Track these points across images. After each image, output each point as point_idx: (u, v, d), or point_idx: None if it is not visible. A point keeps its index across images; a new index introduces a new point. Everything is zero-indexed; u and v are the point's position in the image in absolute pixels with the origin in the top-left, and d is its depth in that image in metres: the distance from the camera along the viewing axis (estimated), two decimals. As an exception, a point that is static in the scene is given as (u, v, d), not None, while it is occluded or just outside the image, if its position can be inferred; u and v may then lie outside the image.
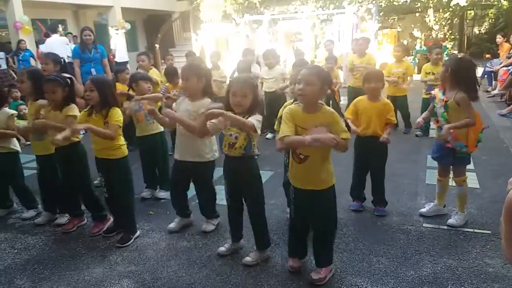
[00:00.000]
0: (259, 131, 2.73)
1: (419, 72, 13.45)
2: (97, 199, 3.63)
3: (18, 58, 10.17)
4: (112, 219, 3.61)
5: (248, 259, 2.96)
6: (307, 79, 2.46)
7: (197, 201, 3.59)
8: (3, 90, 4.00)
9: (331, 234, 2.75)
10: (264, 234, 3.03)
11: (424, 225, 3.44)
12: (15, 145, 3.90)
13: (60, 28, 10.39)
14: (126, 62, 10.46)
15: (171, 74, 5.38)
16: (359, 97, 3.67)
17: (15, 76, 10.34)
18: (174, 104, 3.70)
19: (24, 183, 4.01)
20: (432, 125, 4.46)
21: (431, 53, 6.25)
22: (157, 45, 13.85)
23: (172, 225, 3.55)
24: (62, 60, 4.30)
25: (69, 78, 3.52)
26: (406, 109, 6.54)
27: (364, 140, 3.61)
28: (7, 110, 3.84)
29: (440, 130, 3.30)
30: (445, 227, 3.36)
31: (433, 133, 4.84)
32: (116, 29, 11.83)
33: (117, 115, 3.21)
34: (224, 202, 3.12)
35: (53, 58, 4.25)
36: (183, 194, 3.53)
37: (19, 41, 10.22)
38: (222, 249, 3.13)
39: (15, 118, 3.89)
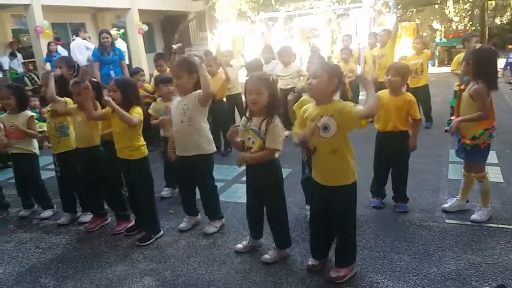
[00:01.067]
0: (281, 149, 2.80)
1: (439, 65, 13.31)
2: (121, 199, 3.69)
3: (52, 63, 9.58)
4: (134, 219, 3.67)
5: (267, 256, 2.96)
6: (315, 73, 2.52)
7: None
8: (26, 92, 4.09)
9: (348, 234, 2.68)
10: (284, 235, 3.00)
11: (447, 221, 3.37)
12: (35, 147, 3.96)
13: (82, 32, 10.60)
14: None
15: None
16: (381, 91, 3.61)
17: (29, 82, 10.48)
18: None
19: (40, 185, 4.08)
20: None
21: (470, 41, 5.70)
22: (174, 46, 13.97)
23: (183, 225, 3.57)
24: (76, 64, 4.38)
25: (96, 82, 3.60)
26: (428, 101, 6.28)
27: (384, 135, 3.55)
28: (27, 112, 3.92)
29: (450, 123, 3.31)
30: (469, 223, 3.29)
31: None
32: (117, 31, 11.91)
33: (138, 112, 3.26)
34: (240, 200, 3.12)
35: (66, 61, 4.34)
36: (189, 192, 3.54)
37: (49, 43, 9.92)
38: (239, 246, 3.14)
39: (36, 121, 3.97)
